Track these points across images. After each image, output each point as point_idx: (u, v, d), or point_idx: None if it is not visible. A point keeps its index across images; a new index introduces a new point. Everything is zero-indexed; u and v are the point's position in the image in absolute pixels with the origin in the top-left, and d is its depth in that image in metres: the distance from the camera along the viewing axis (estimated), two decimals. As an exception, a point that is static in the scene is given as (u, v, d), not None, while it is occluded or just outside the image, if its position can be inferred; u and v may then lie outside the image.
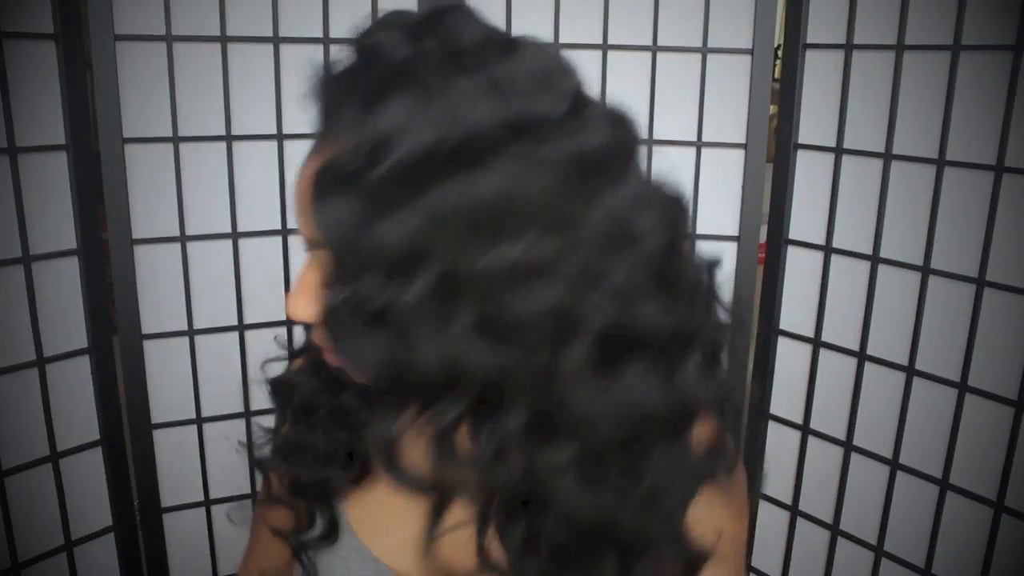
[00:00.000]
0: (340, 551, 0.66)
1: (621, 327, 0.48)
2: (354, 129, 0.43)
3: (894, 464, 1.36)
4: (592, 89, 0.55)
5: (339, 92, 0.46)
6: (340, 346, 0.48)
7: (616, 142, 0.50)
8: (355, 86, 0.45)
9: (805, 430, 1.47)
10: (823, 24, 1.36)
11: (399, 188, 0.42)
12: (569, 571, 0.53)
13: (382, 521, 0.65)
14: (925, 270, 1.29)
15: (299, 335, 1.22)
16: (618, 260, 0.47)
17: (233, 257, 1.40)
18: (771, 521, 1.55)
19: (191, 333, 1.41)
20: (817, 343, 1.44)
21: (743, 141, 1.43)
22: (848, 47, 1.33)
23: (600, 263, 0.46)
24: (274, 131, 1.36)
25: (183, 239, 1.37)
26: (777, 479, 1.53)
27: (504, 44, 0.48)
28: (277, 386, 0.67)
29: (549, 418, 0.49)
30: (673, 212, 0.53)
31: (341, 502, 0.67)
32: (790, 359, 1.48)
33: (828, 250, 1.40)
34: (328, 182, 0.44)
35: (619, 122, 0.51)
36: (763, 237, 1.47)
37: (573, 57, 0.53)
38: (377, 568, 0.64)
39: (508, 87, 0.44)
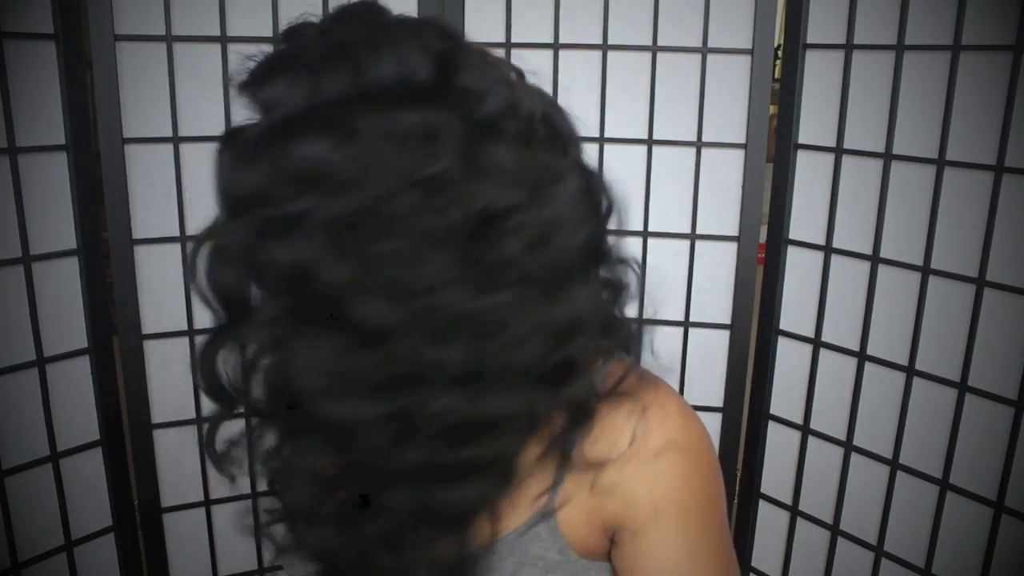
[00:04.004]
0: None
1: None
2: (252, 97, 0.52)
3: (894, 464, 1.36)
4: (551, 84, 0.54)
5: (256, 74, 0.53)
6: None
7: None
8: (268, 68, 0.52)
9: (805, 430, 1.47)
10: (823, 24, 1.36)
11: (262, 145, 0.49)
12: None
13: None
14: (925, 270, 1.29)
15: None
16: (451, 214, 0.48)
17: (233, 257, 1.40)
18: (771, 521, 1.55)
19: (191, 333, 1.41)
20: (817, 343, 1.44)
21: (743, 141, 1.43)
22: (848, 47, 1.33)
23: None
24: (274, 131, 1.36)
25: (183, 239, 1.37)
26: (777, 479, 1.53)
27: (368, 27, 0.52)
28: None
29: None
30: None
31: None
32: (790, 359, 1.48)
33: (828, 250, 1.40)
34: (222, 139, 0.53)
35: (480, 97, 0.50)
36: (763, 237, 1.47)
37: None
38: None
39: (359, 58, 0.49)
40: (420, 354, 0.49)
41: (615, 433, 0.56)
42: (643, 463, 0.56)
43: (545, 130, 0.53)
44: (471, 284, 0.49)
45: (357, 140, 0.47)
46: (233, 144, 0.52)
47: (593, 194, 0.55)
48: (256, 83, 0.51)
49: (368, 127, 0.47)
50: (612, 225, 0.58)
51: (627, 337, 0.60)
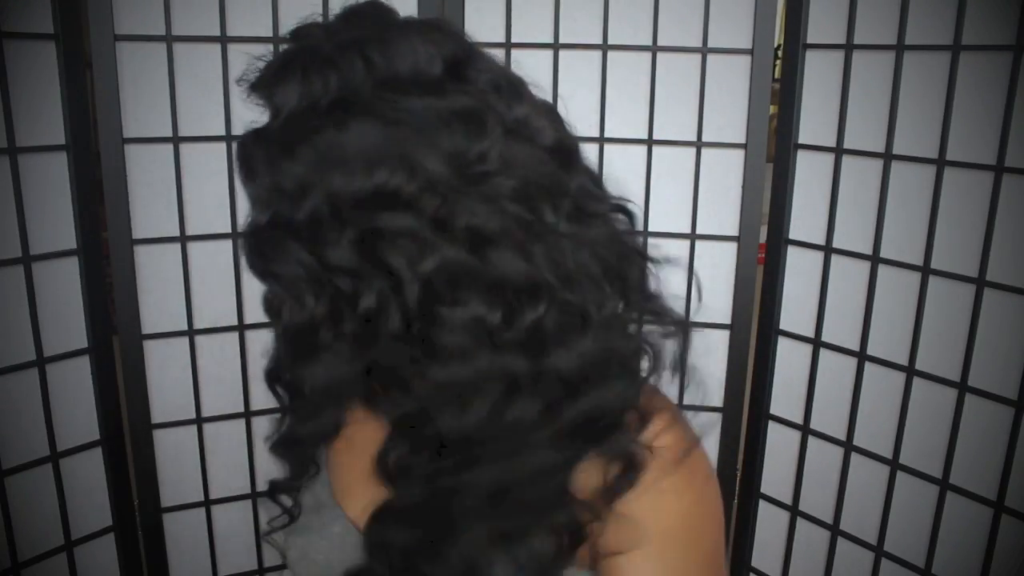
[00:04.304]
0: (321, 518, 0.68)
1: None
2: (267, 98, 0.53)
3: (894, 464, 1.36)
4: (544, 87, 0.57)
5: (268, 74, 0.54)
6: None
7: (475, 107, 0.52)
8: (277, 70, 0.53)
9: (805, 430, 1.47)
10: (823, 24, 1.36)
11: (289, 136, 0.51)
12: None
13: (352, 485, 0.67)
14: (925, 270, 1.29)
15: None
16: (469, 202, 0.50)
17: (233, 257, 1.40)
18: (771, 521, 1.55)
19: (191, 333, 1.41)
20: (817, 343, 1.44)
21: (743, 141, 1.43)
22: (848, 47, 1.33)
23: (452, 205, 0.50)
24: (274, 131, 1.36)
25: (183, 239, 1.37)
26: (777, 479, 1.53)
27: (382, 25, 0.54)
28: (270, 374, 0.70)
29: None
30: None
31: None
32: (790, 359, 1.48)
33: (828, 250, 1.40)
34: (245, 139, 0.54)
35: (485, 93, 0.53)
36: (763, 237, 1.47)
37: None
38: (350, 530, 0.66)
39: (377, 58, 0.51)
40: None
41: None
42: (668, 486, 0.56)
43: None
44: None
45: (403, 123, 0.49)
46: (261, 143, 0.52)
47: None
48: (269, 81, 0.52)
49: (415, 109, 0.49)
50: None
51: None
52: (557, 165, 0.53)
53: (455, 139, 0.49)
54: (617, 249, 0.56)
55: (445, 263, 0.49)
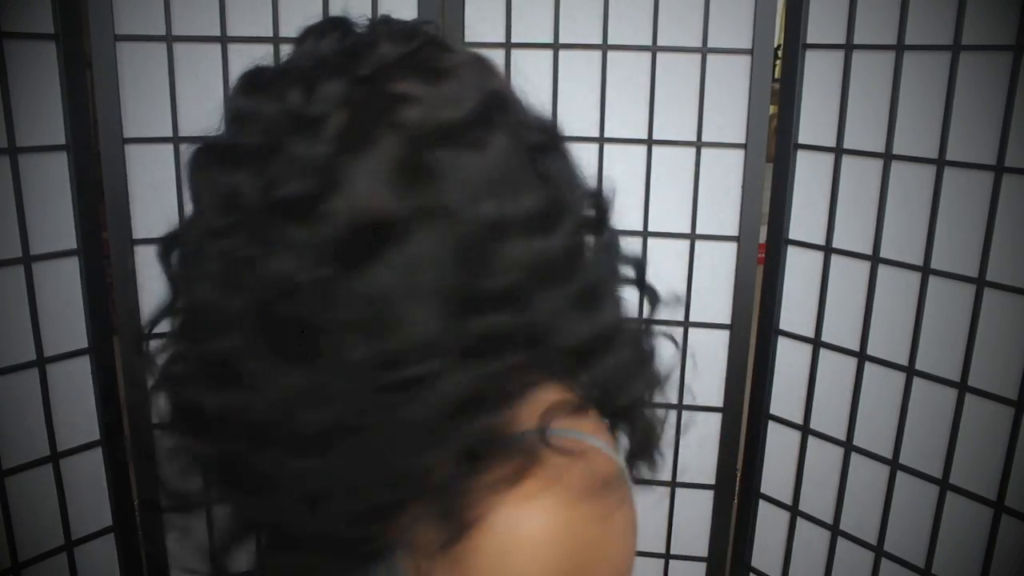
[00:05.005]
0: None
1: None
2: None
3: (894, 464, 1.36)
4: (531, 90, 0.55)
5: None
6: None
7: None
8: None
9: (805, 430, 1.47)
10: (823, 24, 1.36)
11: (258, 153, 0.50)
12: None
13: None
14: (925, 270, 1.29)
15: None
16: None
17: (233, 257, 1.40)
18: (771, 521, 1.55)
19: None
20: (817, 343, 1.44)
21: (743, 141, 1.43)
22: (848, 47, 1.33)
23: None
24: (274, 131, 1.36)
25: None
26: (777, 479, 1.53)
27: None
28: None
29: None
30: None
31: None
32: (790, 359, 1.48)
33: (828, 250, 1.40)
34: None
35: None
36: (763, 237, 1.47)
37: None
38: None
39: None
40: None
41: (486, 506, 0.49)
42: (461, 560, 0.49)
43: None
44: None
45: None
46: (209, 153, 0.54)
47: (557, 198, 0.53)
48: (231, 99, 0.53)
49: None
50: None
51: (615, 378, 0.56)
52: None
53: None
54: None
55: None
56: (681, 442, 1.52)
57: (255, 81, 0.52)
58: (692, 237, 1.47)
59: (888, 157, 1.31)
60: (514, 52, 1.41)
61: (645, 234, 1.47)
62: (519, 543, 0.48)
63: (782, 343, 1.49)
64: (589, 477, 0.51)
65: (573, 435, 0.53)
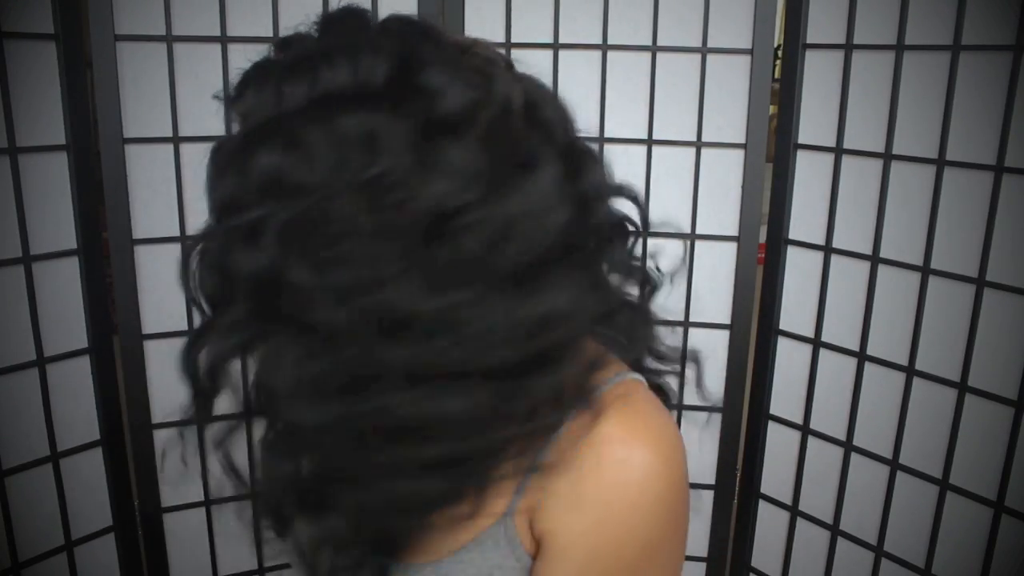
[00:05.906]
0: None
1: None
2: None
3: (894, 464, 1.36)
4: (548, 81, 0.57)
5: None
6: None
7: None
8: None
9: (805, 430, 1.47)
10: (823, 24, 1.36)
11: (232, 155, 0.51)
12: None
13: None
14: (925, 270, 1.29)
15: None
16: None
17: (233, 257, 1.40)
18: (771, 521, 1.55)
19: (191, 333, 1.41)
20: (817, 343, 1.44)
21: (743, 141, 1.43)
22: (848, 47, 1.33)
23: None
24: (274, 131, 1.36)
25: (183, 239, 1.37)
26: (777, 479, 1.53)
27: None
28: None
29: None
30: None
31: None
32: (790, 359, 1.48)
33: (828, 250, 1.40)
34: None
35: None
36: (763, 237, 1.47)
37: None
38: None
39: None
40: (369, 355, 0.50)
41: (569, 445, 0.55)
42: (579, 496, 0.54)
43: (524, 120, 0.52)
44: (421, 283, 0.48)
45: (303, 147, 0.48)
46: (213, 155, 0.54)
47: (583, 181, 0.54)
48: (235, 95, 0.53)
49: (313, 135, 0.48)
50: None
51: (630, 330, 0.61)
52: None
53: (348, 162, 0.48)
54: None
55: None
56: (681, 442, 1.52)
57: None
58: (692, 237, 1.47)
59: (888, 157, 1.31)
60: (514, 52, 1.41)
61: (645, 234, 1.47)
62: (632, 472, 0.56)
63: (782, 343, 1.49)
64: (656, 407, 0.60)
65: (623, 377, 0.59)
